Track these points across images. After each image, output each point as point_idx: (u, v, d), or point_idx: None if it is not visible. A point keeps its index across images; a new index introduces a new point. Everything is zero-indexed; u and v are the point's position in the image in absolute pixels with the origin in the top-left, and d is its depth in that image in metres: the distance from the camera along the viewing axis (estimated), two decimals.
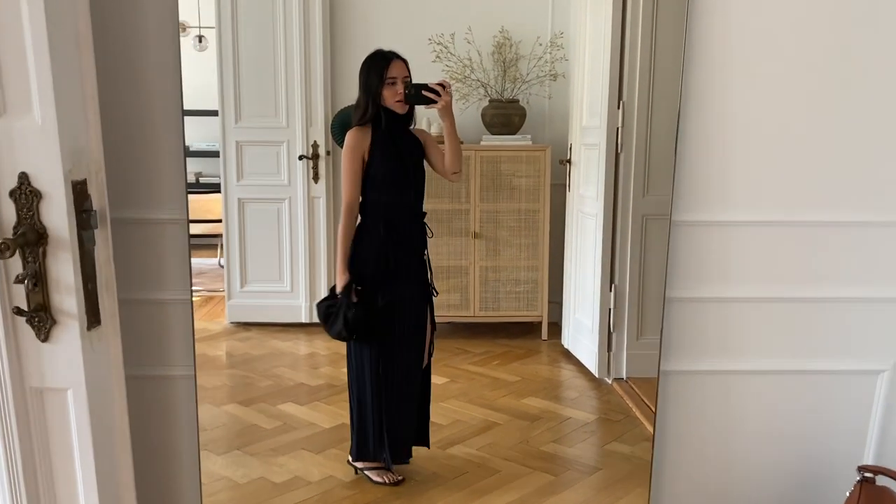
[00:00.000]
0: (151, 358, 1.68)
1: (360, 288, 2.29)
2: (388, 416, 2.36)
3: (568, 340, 3.67)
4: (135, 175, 1.61)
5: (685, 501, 1.88)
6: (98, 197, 1.40)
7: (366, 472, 2.37)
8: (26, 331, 1.35)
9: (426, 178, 2.41)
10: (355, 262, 2.30)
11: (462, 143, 3.82)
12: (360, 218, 2.35)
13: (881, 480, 1.62)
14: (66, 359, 1.37)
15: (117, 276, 1.48)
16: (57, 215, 1.31)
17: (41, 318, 1.34)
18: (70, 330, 1.36)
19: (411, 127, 2.35)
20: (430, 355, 2.50)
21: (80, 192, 1.35)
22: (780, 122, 1.70)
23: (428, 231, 2.39)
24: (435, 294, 2.41)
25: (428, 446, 2.50)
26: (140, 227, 1.61)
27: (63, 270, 1.34)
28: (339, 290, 2.33)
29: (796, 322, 1.78)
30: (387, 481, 2.35)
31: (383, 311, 2.31)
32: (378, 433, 2.38)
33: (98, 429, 1.43)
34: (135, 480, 1.57)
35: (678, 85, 3.17)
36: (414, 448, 2.49)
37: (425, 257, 2.37)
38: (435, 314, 2.49)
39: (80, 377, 1.38)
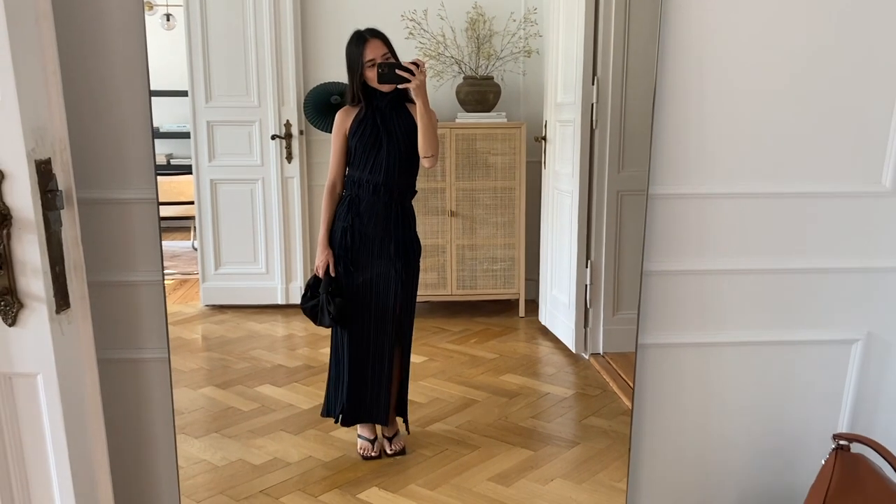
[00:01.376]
0: (124, 341, 1.63)
1: (332, 276, 2.33)
2: (353, 386, 2.37)
3: (545, 317, 3.68)
4: (101, 153, 1.55)
5: (664, 472, 1.90)
6: (63, 176, 1.36)
7: (358, 436, 2.40)
8: None
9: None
10: (332, 233, 2.37)
11: (438, 120, 3.79)
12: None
13: (856, 448, 1.64)
14: (34, 343, 1.33)
15: (86, 257, 1.44)
16: (21, 196, 1.27)
17: (7, 301, 1.30)
18: (38, 314, 1.32)
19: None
20: (401, 336, 2.46)
21: (44, 172, 1.31)
22: (758, 93, 1.70)
23: (399, 208, 2.32)
24: (400, 274, 2.35)
25: (405, 419, 2.50)
26: (109, 207, 1.57)
27: (29, 252, 1.30)
28: (317, 264, 2.37)
29: (772, 293, 1.79)
30: (362, 453, 2.36)
31: (353, 289, 2.32)
32: (344, 401, 2.40)
33: (70, 414, 1.39)
34: (110, 466, 1.53)
35: (653, 59, 3.16)
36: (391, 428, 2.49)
37: (396, 234, 2.31)
38: (414, 294, 2.46)
39: (49, 362, 1.34)
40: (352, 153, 2.29)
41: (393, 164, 2.28)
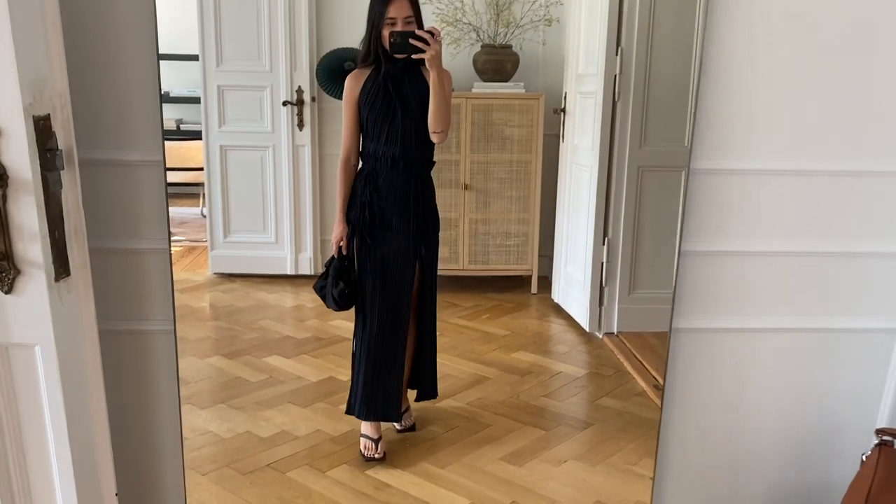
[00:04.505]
0: (127, 311, 1.52)
1: (344, 255, 2.20)
2: (369, 372, 2.23)
3: (558, 294, 3.58)
4: (105, 111, 1.42)
5: (692, 460, 1.79)
6: (64, 135, 1.25)
7: (361, 434, 2.26)
8: None
9: None
10: (349, 207, 2.22)
11: (453, 90, 3.65)
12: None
13: None
14: (32, 312, 1.23)
15: (88, 222, 1.33)
16: (17, 153, 1.16)
17: (3, 267, 1.20)
18: (36, 281, 1.22)
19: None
20: (422, 312, 2.33)
21: (42, 129, 1.20)
22: (811, 62, 1.55)
23: (418, 182, 2.16)
24: (419, 250, 2.20)
25: (435, 396, 2.40)
26: (112, 169, 1.44)
27: (26, 215, 1.19)
28: (333, 239, 2.24)
29: (815, 278, 1.66)
30: (365, 454, 2.22)
31: (372, 265, 2.20)
32: (359, 389, 2.26)
33: (70, 387, 1.30)
34: (112, 440, 1.45)
35: (680, 29, 3.02)
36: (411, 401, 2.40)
37: (416, 210, 2.17)
38: (435, 270, 2.31)
39: (48, 332, 1.25)
40: (364, 123, 2.15)
41: (409, 134, 2.13)
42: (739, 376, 1.71)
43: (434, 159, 2.20)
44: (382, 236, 2.15)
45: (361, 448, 2.23)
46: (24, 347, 1.26)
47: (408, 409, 2.37)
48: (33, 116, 1.18)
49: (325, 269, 2.25)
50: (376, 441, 2.23)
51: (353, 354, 2.29)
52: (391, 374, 2.24)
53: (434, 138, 2.10)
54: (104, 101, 1.42)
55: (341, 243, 2.22)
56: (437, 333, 3.23)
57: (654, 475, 1.74)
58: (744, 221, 1.58)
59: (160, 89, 1.39)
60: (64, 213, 1.26)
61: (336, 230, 2.23)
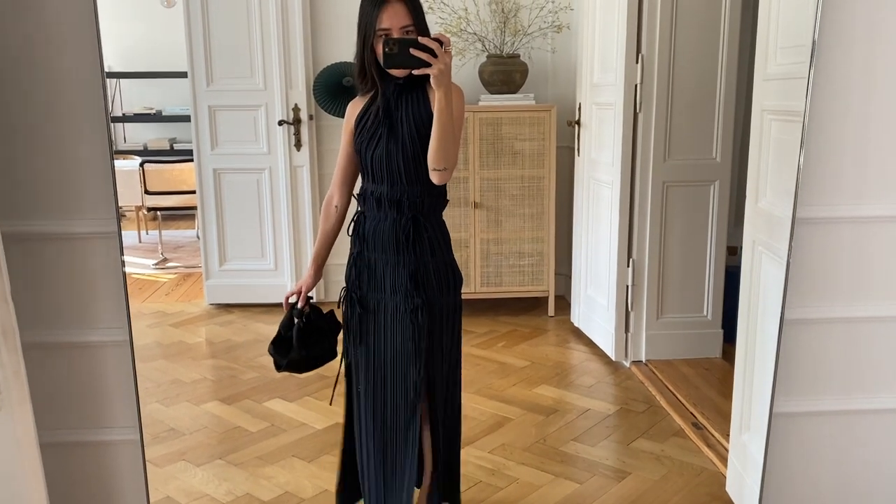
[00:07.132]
0: (82, 419, 1.15)
1: (298, 306, 1.68)
2: (367, 462, 1.76)
3: (578, 318, 3.25)
4: (39, 173, 1.07)
5: None
6: None
7: None
8: None
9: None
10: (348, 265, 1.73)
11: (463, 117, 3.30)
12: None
13: None
14: None
15: (26, 312, 0.99)
16: None
17: None
18: None
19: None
20: (431, 402, 1.71)
21: None
22: None
23: (411, 226, 1.62)
24: (418, 315, 1.61)
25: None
26: (56, 243, 1.07)
27: None
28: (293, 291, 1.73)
29: None
30: None
31: (361, 336, 1.68)
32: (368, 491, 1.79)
33: None
34: None
35: (705, 34, 2.68)
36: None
37: (407, 265, 1.62)
38: (445, 342, 1.69)
39: None
40: (359, 159, 1.65)
41: (396, 166, 1.57)
42: (849, 466, 1.33)
43: (445, 198, 1.67)
44: (376, 298, 1.64)
45: None
46: None
47: None
48: None
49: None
50: None
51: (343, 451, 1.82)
52: (402, 480, 1.72)
53: (433, 177, 1.52)
54: (38, 155, 1.05)
55: (293, 296, 1.73)
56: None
57: None
58: (856, 279, 1.20)
59: (111, 140, 1.03)
60: None
61: (305, 279, 1.71)
